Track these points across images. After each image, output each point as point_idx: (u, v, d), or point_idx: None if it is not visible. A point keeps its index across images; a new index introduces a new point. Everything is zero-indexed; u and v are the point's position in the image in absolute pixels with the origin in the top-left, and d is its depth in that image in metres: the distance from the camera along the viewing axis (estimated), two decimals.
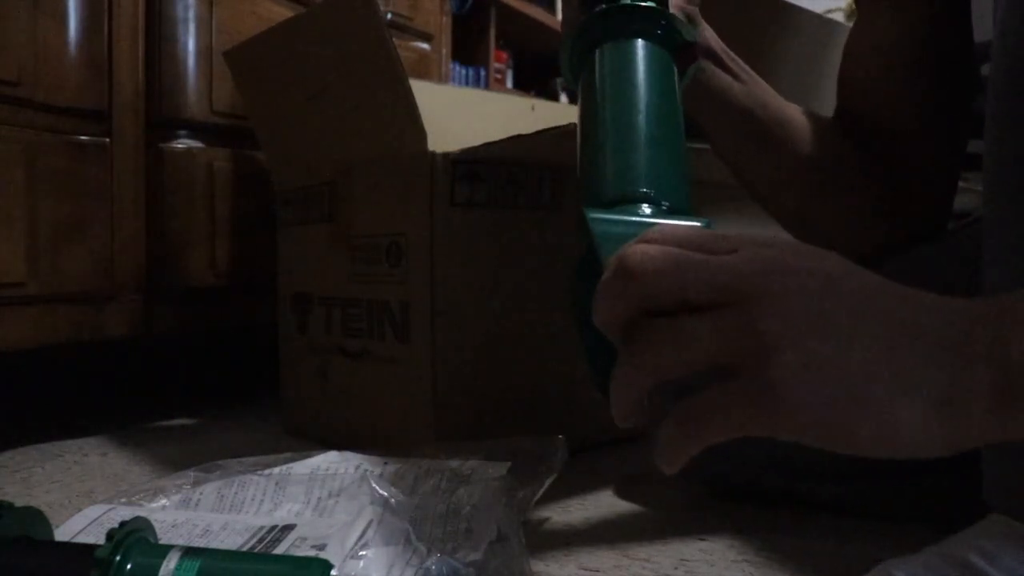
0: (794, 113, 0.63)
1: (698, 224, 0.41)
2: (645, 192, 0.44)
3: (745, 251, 0.32)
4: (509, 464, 0.59)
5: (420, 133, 0.73)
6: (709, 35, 0.60)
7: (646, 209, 0.43)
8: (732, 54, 0.61)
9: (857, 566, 0.50)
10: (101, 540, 0.42)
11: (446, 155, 0.73)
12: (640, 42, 0.50)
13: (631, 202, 0.44)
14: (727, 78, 0.60)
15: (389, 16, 1.22)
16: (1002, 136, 0.44)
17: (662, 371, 0.32)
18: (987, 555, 0.39)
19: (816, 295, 0.31)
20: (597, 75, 0.50)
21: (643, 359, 0.32)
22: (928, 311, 0.32)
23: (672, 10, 0.53)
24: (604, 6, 0.51)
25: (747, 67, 0.61)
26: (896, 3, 0.61)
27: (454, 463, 0.61)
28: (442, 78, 1.38)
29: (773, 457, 0.64)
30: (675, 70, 0.51)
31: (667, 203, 0.44)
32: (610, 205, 0.44)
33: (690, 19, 0.57)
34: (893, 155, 0.62)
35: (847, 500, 0.64)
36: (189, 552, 0.42)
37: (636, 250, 0.33)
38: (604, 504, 0.69)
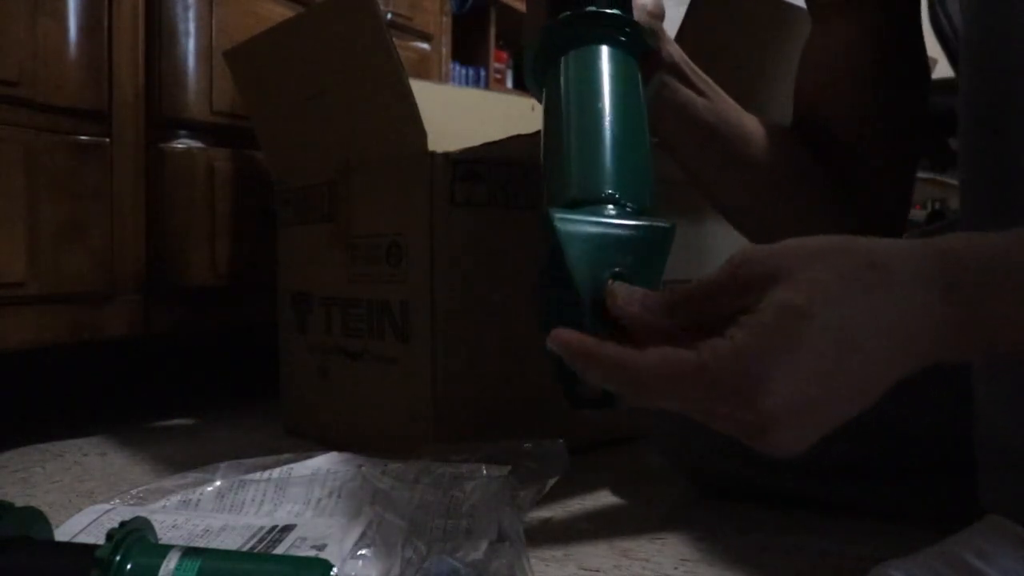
0: (754, 126, 0.63)
1: (663, 226, 0.42)
2: (609, 193, 0.44)
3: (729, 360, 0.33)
4: (510, 467, 0.59)
5: (420, 133, 0.73)
6: (673, 50, 0.60)
7: (611, 210, 0.43)
8: (696, 68, 0.61)
9: (857, 566, 0.50)
10: (101, 540, 0.43)
11: (446, 155, 0.73)
12: (605, 48, 0.50)
13: (595, 203, 0.44)
14: (690, 93, 0.60)
15: (389, 16, 1.22)
16: (975, 153, 0.44)
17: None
18: (984, 555, 0.39)
19: (802, 378, 0.33)
20: (562, 79, 0.50)
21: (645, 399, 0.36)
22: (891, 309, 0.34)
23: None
24: (568, 13, 0.51)
25: (710, 81, 0.62)
26: (847, 13, 0.61)
27: (454, 464, 0.61)
28: (442, 78, 1.38)
29: (773, 456, 0.64)
30: (640, 76, 0.52)
31: (631, 204, 0.44)
32: (573, 206, 0.44)
33: (654, 33, 0.58)
34: (846, 162, 0.63)
35: (848, 499, 0.64)
36: (189, 552, 0.42)
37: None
38: (604, 504, 0.69)
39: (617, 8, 0.51)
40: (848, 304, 0.33)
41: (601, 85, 0.49)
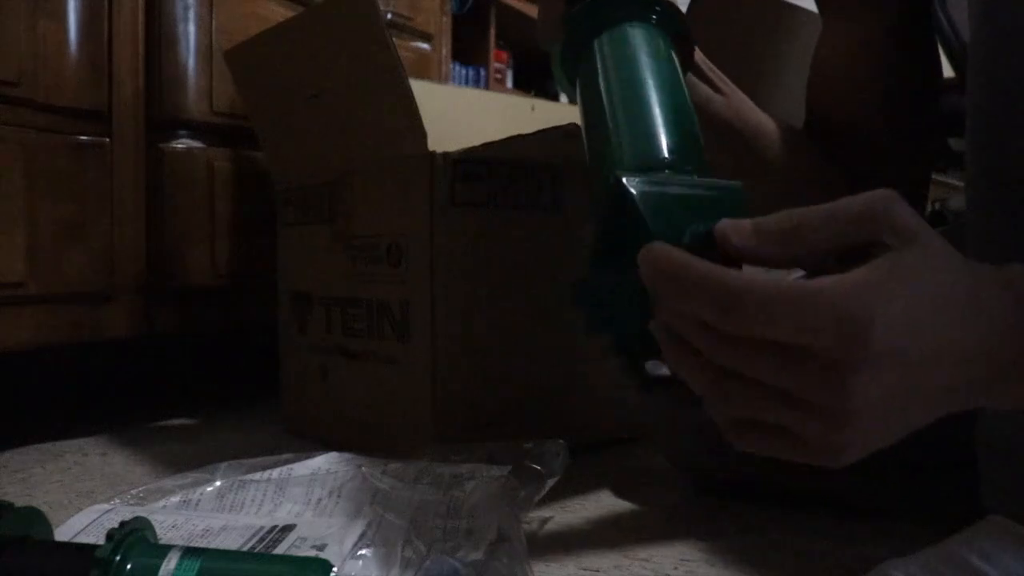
0: (769, 124, 0.63)
1: (735, 185, 0.39)
2: (668, 158, 0.42)
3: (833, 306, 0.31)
4: (510, 467, 0.59)
5: (420, 133, 0.73)
6: None
7: (673, 174, 0.41)
8: (712, 66, 0.61)
9: (857, 566, 0.50)
10: (101, 540, 0.43)
11: (446, 155, 0.73)
12: (639, 26, 0.49)
13: (655, 169, 0.41)
14: (707, 90, 0.60)
15: (389, 16, 1.22)
16: (981, 153, 0.44)
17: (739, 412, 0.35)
18: (985, 555, 0.39)
19: (896, 365, 0.31)
20: (598, 62, 0.49)
21: (720, 411, 0.35)
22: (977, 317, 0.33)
23: None
24: None
25: (726, 79, 0.62)
26: (859, 12, 0.61)
27: (454, 464, 0.61)
28: (442, 78, 1.38)
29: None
30: (677, 57, 0.50)
31: (691, 168, 0.42)
32: (633, 174, 0.40)
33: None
34: (860, 162, 0.63)
35: (848, 498, 0.64)
36: (189, 552, 0.42)
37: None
38: (604, 504, 0.69)
39: None
40: (965, 284, 0.32)
41: (640, 59, 0.47)
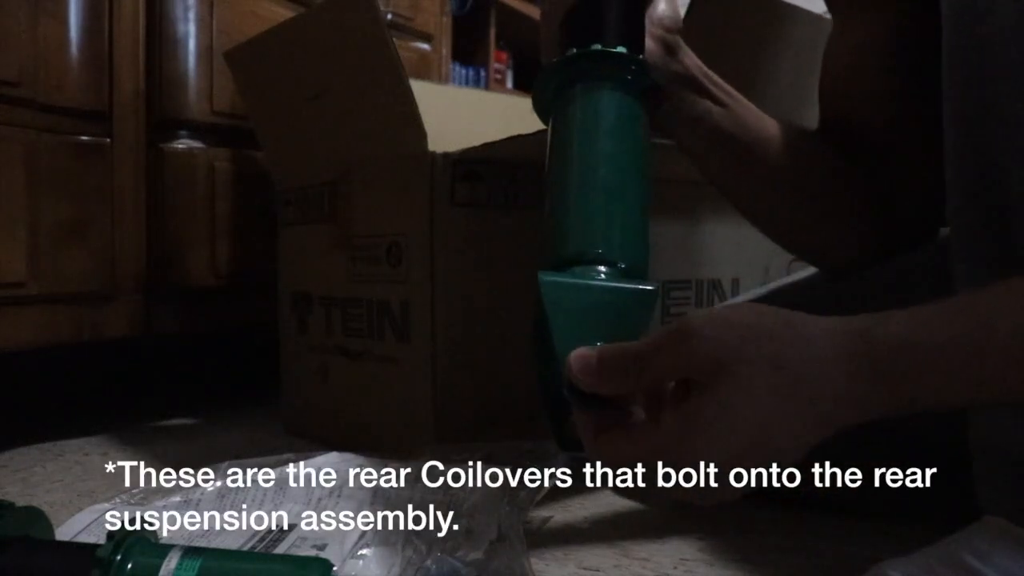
0: (775, 130, 0.63)
1: (647, 289, 0.43)
2: (600, 253, 0.46)
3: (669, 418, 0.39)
4: (510, 467, 0.59)
5: (420, 133, 0.73)
6: (690, 62, 0.60)
7: (601, 270, 0.45)
8: (713, 77, 0.61)
9: (857, 566, 0.50)
10: (102, 540, 0.43)
11: (446, 155, 0.74)
12: (608, 91, 0.51)
13: (587, 263, 0.45)
14: (707, 103, 0.60)
15: (389, 16, 1.22)
16: (958, 156, 0.45)
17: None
18: (982, 555, 0.39)
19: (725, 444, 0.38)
20: (563, 124, 0.52)
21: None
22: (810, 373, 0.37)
23: (649, 40, 0.54)
24: (575, 51, 0.52)
25: (730, 89, 0.62)
26: (868, 8, 0.61)
27: (454, 464, 0.61)
28: (442, 78, 1.38)
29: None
30: (643, 117, 0.52)
31: (624, 263, 0.45)
32: (567, 264, 0.45)
33: (670, 47, 0.58)
34: (875, 161, 0.62)
35: (848, 499, 0.64)
36: (189, 552, 0.42)
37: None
38: (604, 504, 0.69)
39: (626, 43, 0.52)
40: (774, 401, 0.37)
41: (599, 136, 0.50)
